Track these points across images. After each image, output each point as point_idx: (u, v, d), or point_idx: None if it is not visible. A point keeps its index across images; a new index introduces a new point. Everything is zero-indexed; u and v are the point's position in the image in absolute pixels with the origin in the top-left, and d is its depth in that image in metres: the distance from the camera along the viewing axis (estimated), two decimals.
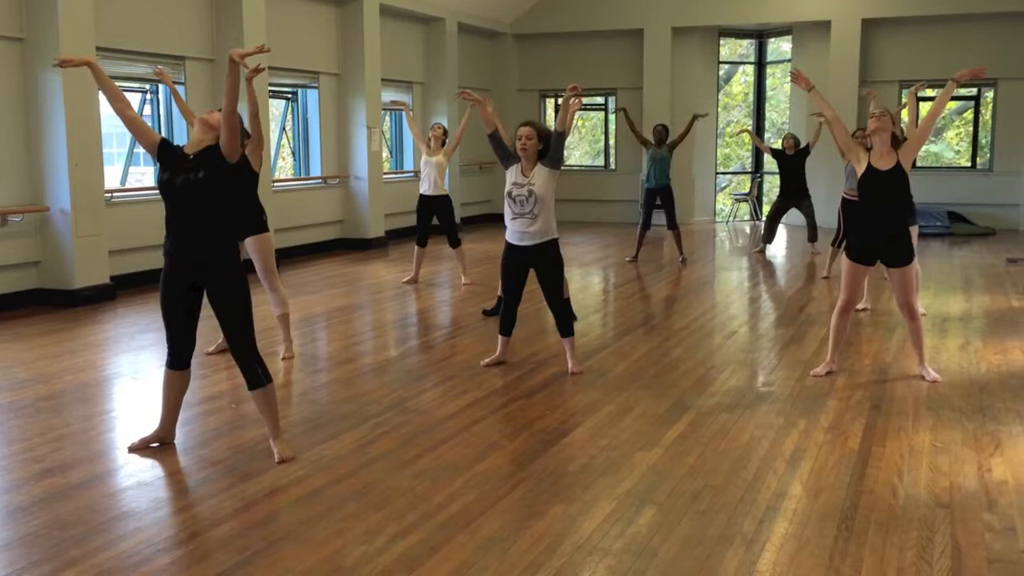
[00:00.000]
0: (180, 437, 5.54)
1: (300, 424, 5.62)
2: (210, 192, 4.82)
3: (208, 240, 4.86)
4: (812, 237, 13.28)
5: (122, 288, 10.03)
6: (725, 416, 5.73)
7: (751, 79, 19.69)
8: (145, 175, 12.68)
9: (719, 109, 19.01)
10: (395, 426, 5.54)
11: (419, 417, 5.72)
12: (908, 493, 4.48)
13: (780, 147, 13.23)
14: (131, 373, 7.02)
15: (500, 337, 7.04)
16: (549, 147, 6.62)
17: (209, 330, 6.91)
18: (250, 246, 7.03)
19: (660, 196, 12.71)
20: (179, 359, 5.12)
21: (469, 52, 17.81)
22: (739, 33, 18.92)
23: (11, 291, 9.22)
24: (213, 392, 6.35)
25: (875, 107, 6.62)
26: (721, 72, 19.47)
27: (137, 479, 4.76)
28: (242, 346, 4.96)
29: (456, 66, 16.92)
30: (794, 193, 12.90)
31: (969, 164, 17.51)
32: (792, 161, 12.85)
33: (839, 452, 5.06)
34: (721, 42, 18.83)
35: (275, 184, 12.87)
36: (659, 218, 13.19)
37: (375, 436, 5.35)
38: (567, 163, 20.00)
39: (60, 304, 9.25)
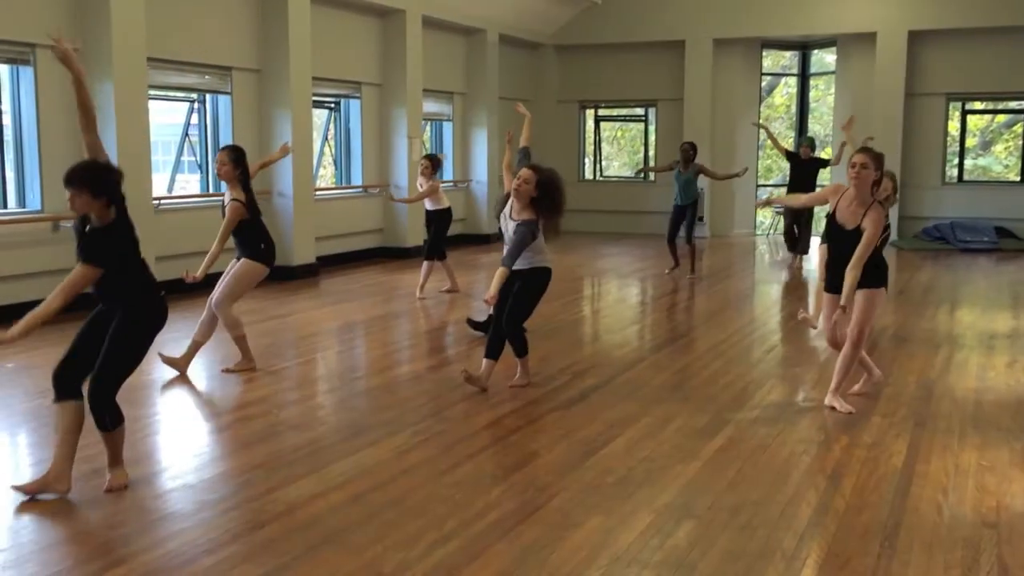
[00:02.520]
0: (222, 441, 5.63)
1: (340, 431, 5.66)
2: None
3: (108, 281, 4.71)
4: (802, 249, 13.23)
5: (168, 294, 10.12)
6: (765, 430, 5.69)
7: (794, 91, 19.56)
8: (190, 183, 12.88)
9: (761, 121, 18.89)
10: (434, 434, 5.57)
11: (458, 426, 5.74)
12: (953, 512, 4.42)
13: (795, 151, 13.06)
14: (175, 378, 7.11)
15: (485, 360, 6.62)
16: (542, 205, 6.41)
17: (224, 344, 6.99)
18: (239, 266, 7.02)
19: (687, 211, 12.60)
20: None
21: (510, 63, 17.87)
22: (782, 45, 18.79)
23: None
24: (254, 397, 6.42)
25: (850, 146, 5.89)
26: (763, 83, 19.36)
27: (182, 481, 4.83)
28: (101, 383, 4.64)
29: (497, 77, 16.98)
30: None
31: (1018, 178, 17.22)
32: (805, 168, 12.65)
33: (882, 469, 5.01)
34: (764, 53, 18.71)
35: (317, 192, 12.99)
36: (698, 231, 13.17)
37: (414, 444, 5.38)
38: (606, 173, 20.00)
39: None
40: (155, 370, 7.21)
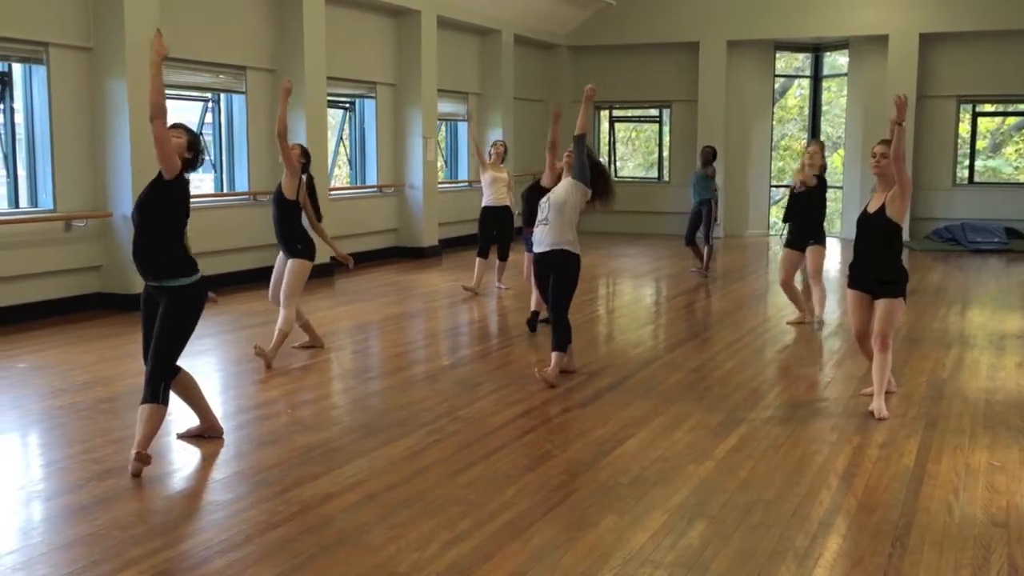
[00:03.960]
0: (235, 441, 5.64)
1: (354, 431, 5.68)
2: (147, 208, 5.02)
3: (151, 257, 5.01)
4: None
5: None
6: (778, 430, 5.68)
7: (807, 92, 19.53)
8: (204, 182, 12.92)
9: (774, 122, 18.87)
10: (448, 434, 5.58)
11: (472, 425, 5.75)
12: (964, 512, 4.42)
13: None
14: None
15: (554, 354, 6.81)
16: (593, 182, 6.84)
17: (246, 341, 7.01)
18: (287, 267, 7.45)
19: (702, 210, 12.60)
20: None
21: (525, 64, 17.87)
22: (795, 47, 18.78)
23: (73, 295, 9.42)
24: (268, 397, 6.44)
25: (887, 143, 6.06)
26: (776, 85, 19.34)
27: (194, 482, 4.86)
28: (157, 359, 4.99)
29: (512, 77, 16.99)
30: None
31: None
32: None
33: (894, 469, 5.00)
34: (777, 55, 18.70)
35: (331, 192, 13.02)
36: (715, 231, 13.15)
37: (428, 443, 5.40)
38: (620, 174, 19.98)
39: (120, 308, 9.42)
40: None
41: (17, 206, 9.25)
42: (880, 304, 6.04)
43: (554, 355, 6.77)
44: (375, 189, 14.32)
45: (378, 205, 14.33)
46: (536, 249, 6.96)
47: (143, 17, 9.55)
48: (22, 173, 9.30)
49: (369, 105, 14.18)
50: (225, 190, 11.66)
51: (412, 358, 7.94)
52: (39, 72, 9.17)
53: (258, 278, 11.21)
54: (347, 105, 14.10)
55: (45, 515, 4.45)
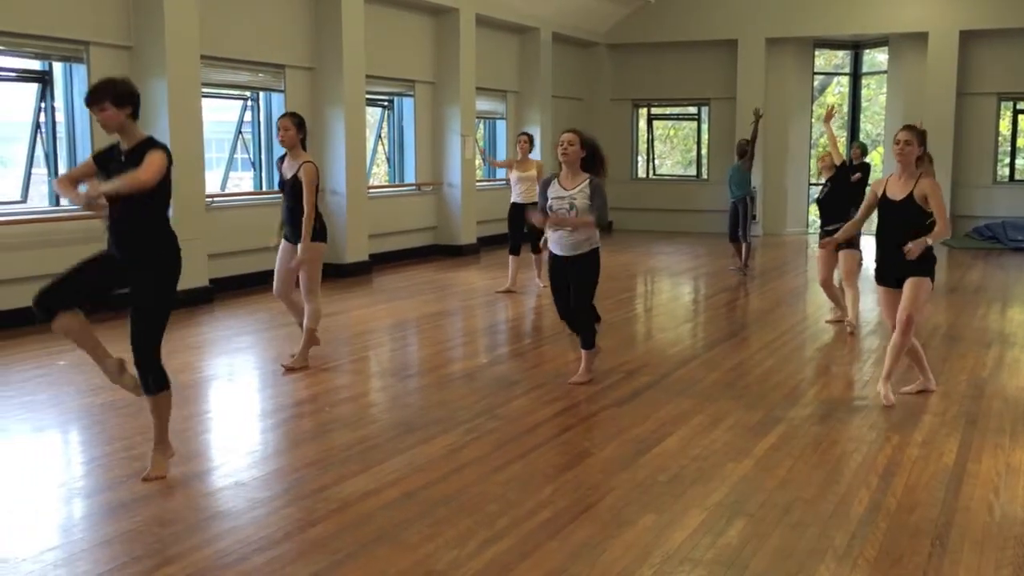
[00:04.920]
0: (274, 439, 5.68)
1: (392, 428, 5.70)
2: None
3: (134, 239, 4.70)
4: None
5: (220, 291, 10.30)
6: (817, 429, 5.63)
7: (846, 90, 19.34)
8: (243, 180, 13.05)
9: (812, 120, 18.70)
10: (485, 432, 5.59)
11: (509, 424, 5.75)
12: (1005, 511, 4.36)
13: (847, 156, 12.72)
14: (227, 375, 7.23)
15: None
16: (592, 165, 6.47)
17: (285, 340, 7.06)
18: (300, 252, 6.93)
19: (739, 207, 12.51)
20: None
21: (563, 62, 17.85)
22: (834, 44, 18.60)
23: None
24: (305, 396, 6.48)
25: (901, 133, 6.10)
26: (815, 83, 19.17)
27: (234, 479, 4.89)
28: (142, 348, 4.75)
29: (550, 75, 16.98)
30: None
31: None
32: (855, 172, 12.19)
33: (933, 468, 4.94)
34: (816, 53, 18.55)
35: (370, 190, 13.09)
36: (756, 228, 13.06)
37: (466, 441, 5.40)
38: (659, 172, 19.91)
39: None
40: (207, 368, 7.33)
41: (58, 204, 9.37)
42: (907, 284, 5.97)
43: (584, 354, 6.72)
44: (413, 187, 14.38)
45: (416, 203, 14.38)
46: (560, 252, 6.58)
47: (183, 16, 9.65)
48: (63, 171, 9.39)
49: (408, 103, 14.23)
50: (264, 188, 11.76)
51: (450, 356, 7.95)
52: (79, 71, 9.29)
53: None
54: (386, 103, 14.16)
55: (86, 512, 4.50)
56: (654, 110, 19.49)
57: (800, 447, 5.27)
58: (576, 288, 6.55)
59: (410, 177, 14.40)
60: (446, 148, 14.61)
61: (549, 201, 6.47)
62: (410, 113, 14.24)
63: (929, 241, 5.84)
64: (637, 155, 19.50)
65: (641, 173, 19.56)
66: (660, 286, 12.56)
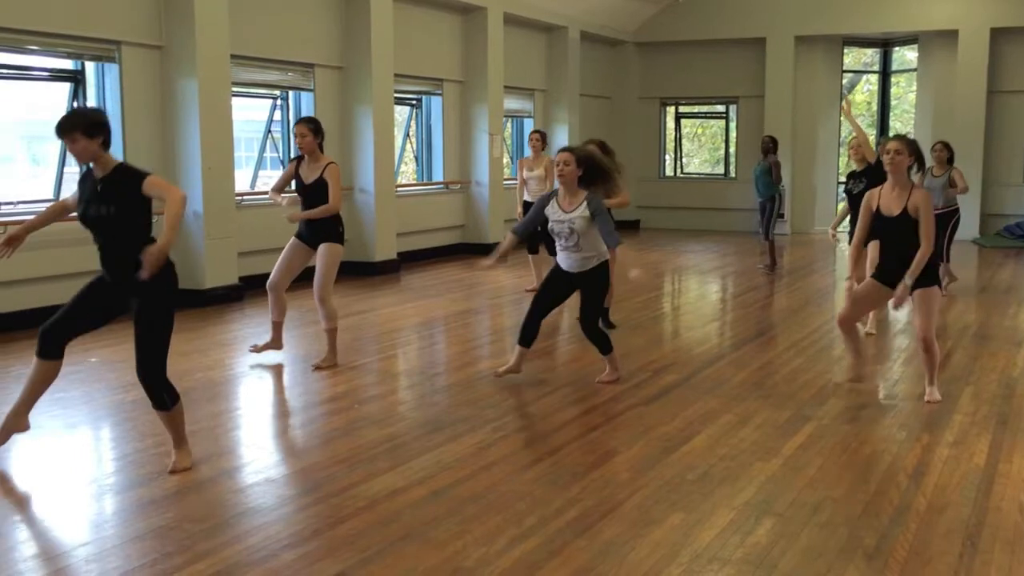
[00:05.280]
0: (303, 436, 5.72)
1: (421, 426, 5.72)
2: (120, 221, 4.71)
3: (129, 264, 4.68)
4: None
5: (250, 289, 10.37)
6: (846, 428, 5.60)
7: (875, 88, 19.20)
8: (273, 179, 13.12)
9: (842, 118, 18.55)
10: (513, 430, 5.60)
11: (537, 422, 5.76)
12: None
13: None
14: (257, 372, 7.28)
15: (517, 347, 6.69)
16: (591, 181, 6.38)
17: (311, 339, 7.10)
18: (319, 253, 6.98)
19: (766, 206, 12.43)
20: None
21: (591, 60, 17.84)
22: (864, 42, 18.47)
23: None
24: (334, 393, 6.51)
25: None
26: (844, 81, 19.03)
27: (264, 476, 4.93)
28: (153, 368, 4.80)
29: (578, 74, 16.97)
30: None
31: None
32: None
33: (964, 468, 4.90)
34: (845, 51, 18.41)
35: (398, 189, 13.14)
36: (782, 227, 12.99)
37: (494, 440, 5.41)
38: (686, 171, 19.83)
39: (191, 304, 9.58)
40: (237, 365, 7.38)
41: None
42: (917, 297, 5.90)
43: (606, 359, 6.69)
44: (441, 186, 14.41)
45: (444, 202, 14.42)
46: (567, 269, 6.51)
47: (213, 16, 9.73)
48: None
49: (436, 102, 14.27)
50: (295, 187, 11.80)
51: (477, 355, 7.97)
52: (112, 70, 9.38)
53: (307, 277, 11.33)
54: (414, 102, 14.20)
55: (117, 508, 4.54)
56: (682, 108, 19.42)
57: (829, 447, 5.25)
58: (586, 301, 6.52)
59: (438, 176, 14.43)
60: (474, 147, 14.63)
61: (551, 223, 6.44)
62: (438, 112, 14.28)
63: (914, 274, 5.76)
64: (665, 154, 19.45)
65: (669, 172, 19.50)
66: (687, 284, 12.53)
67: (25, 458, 5.19)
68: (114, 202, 4.67)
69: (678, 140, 19.59)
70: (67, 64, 9.27)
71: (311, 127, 6.90)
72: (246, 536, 4.11)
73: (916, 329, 6.03)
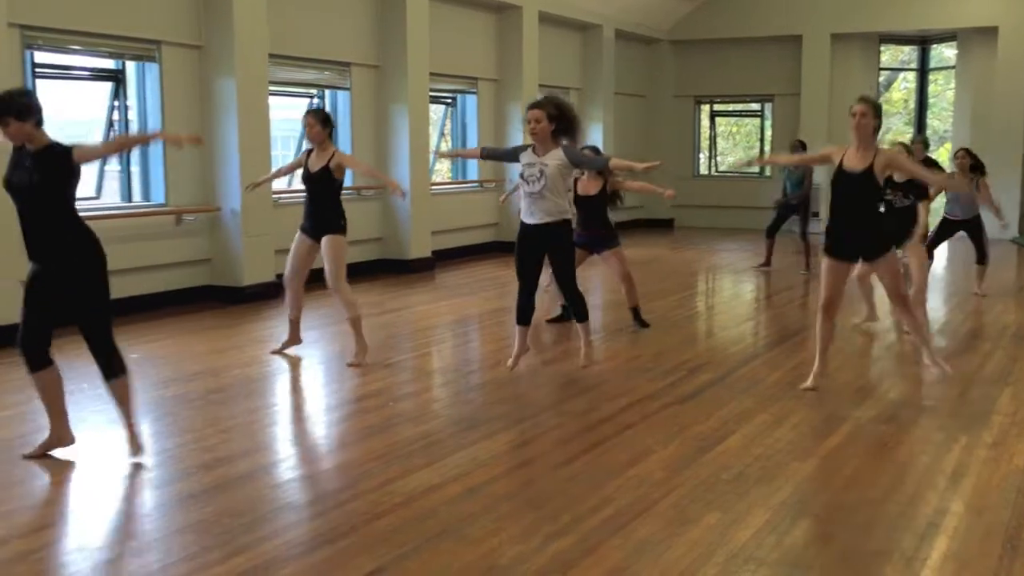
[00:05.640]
0: (339, 433, 5.76)
1: (455, 424, 5.75)
2: (48, 192, 4.81)
3: (55, 242, 4.84)
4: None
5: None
6: (883, 429, 5.56)
7: (912, 86, 18.97)
8: None
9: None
10: (548, 428, 5.61)
11: (572, 420, 5.77)
12: None
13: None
14: (293, 369, 7.34)
15: (517, 327, 6.77)
16: (565, 131, 6.44)
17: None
18: (323, 246, 7.05)
19: (798, 207, 12.31)
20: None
21: (626, 58, 17.80)
22: (901, 39, 18.26)
23: (184, 287, 9.74)
24: (369, 390, 6.54)
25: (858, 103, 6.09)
26: (881, 78, 18.84)
27: (300, 471, 4.98)
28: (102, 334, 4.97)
29: (612, 72, 16.95)
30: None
31: None
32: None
33: (1004, 470, 4.84)
34: (882, 48, 18.22)
35: (433, 187, 13.19)
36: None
37: (529, 437, 5.43)
38: (720, 169, 19.73)
39: (228, 300, 9.70)
40: (273, 361, 7.45)
41: (130, 200, 9.61)
42: (879, 264, 6.07)
43: (582, 328, 6.77)
44: (476, 184, 14.44)
45: (478, 200, 14.45)
46: (529, 220, 6.50)
47: (251, 15, 9.82)
48: (135, 169, 9.64)
49: (471, 100, 14.31)
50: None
51: (512, 352, 7.96)
52: (152, 70, 9.50)
53: (368, 271, 11.41)
54: (449, 101, 14.24)
55: (157, 502, 4.60)
56: (716, 107, 19.33)
57: (866, 447, 5.22)
58: (556, 264, 6.60)
59: (472, 174, 14.47)
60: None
61: (521, 168, 6.51)
62: (473, 110, 14.31)
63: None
64: (699, 152, 19.37)
65: (703, 170, 19.42)
66: (722, 283, 12.47)
67: (69, 452, 5.28)
68: (42, 171, 4.78)
69: (712, 138, 19.50)
70: (109, 64, 9.41)
71: (319, 117, 7.05)
72: (284, 531, 4.15)
73: (888, 291, 6.23)
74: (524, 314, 6.73)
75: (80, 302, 4.89)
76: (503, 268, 12.71)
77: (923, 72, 18.49)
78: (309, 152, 7.16)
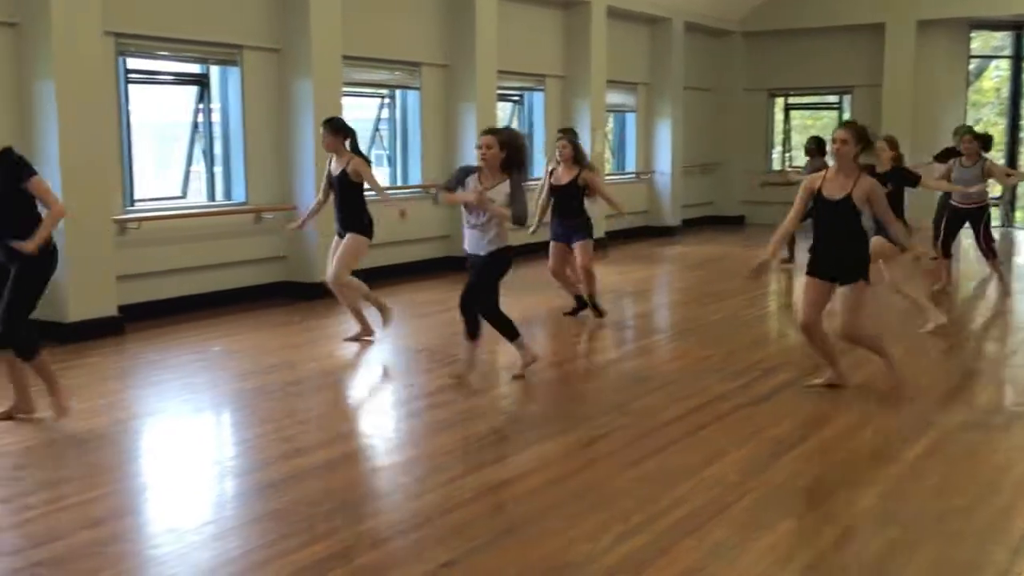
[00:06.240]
0: (410, 428, 5.77)
1: (524, 421, 5.73)
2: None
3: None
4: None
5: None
6: (973, 435, 5.37)
7: (1005, 74, 18.25)
8: (381, 176, 13.30)
9: (967, 107, 17.77)
10: (618, 427, 5.54)
11: (642, 420, 5.69)
12: None
13: (955, 143, 11.76)
14: (364, 364, 7.40)
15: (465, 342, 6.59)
16: (514, 162, 6.29)
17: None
18: (344, 240, 7.47)
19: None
20: None
21: (695, 52, 17.56)
22: (993, 25, 17.55)
23: (260, 283, 9.90)
24: (440, 386, 6.52)
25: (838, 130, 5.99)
26: (971, 67, 18.18)
27: (374, 463, 5.02)
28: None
29: (682, 66, 16.73)
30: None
31: None
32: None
33: None
34: (972, 35, 17.57)
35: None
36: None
37: (598, 436, 5.37)
38: (794, 164, 19.36)
39: (303, 296, 9.82)
40: (347, 356, 7.52)
41: (213, 199, 9.81)
42: (846, 290, 5.92)
43: (514, 345, 6.62)
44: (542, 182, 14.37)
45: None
46: (473, 251, 6.47)
47: (327, 19, 9.98)
48: (218, 169, 9.86)
49: (538, 98, 14.25)
50: (399, 183, 11.98)
51: (578, 351, 7.93)
52: (234, 73, 9.68)
53: (433, 268, 11.48)
54: (516, 98, 14.21)
55: (237, 490, 4.69)
56: (791, 99, 18.96)
57: (954, 454, 5.04)
58: (476, 282, 6.44)
59: (539, 172, 14.38)
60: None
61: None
62: (540, 107, 14.26)
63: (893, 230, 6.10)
64: (772, 147, 19.03)
65: (776, 166, 19.05)
66: (794, 283, 12.22)
67: (157, 439, 5.50)
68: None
69: (787, 133, 19.14)
70: (194, 68, 9.63)
71: (329, 128, 7.52)
72: (360, 520, 4.20)
73: (839, 324, 6.01)
74: (473, 329, 6.55)
75: (10, 282, 5.29)
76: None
77: (1018, 59, 17.63)
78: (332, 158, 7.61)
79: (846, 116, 18.20)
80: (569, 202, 8.63)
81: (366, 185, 7.56)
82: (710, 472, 4.78)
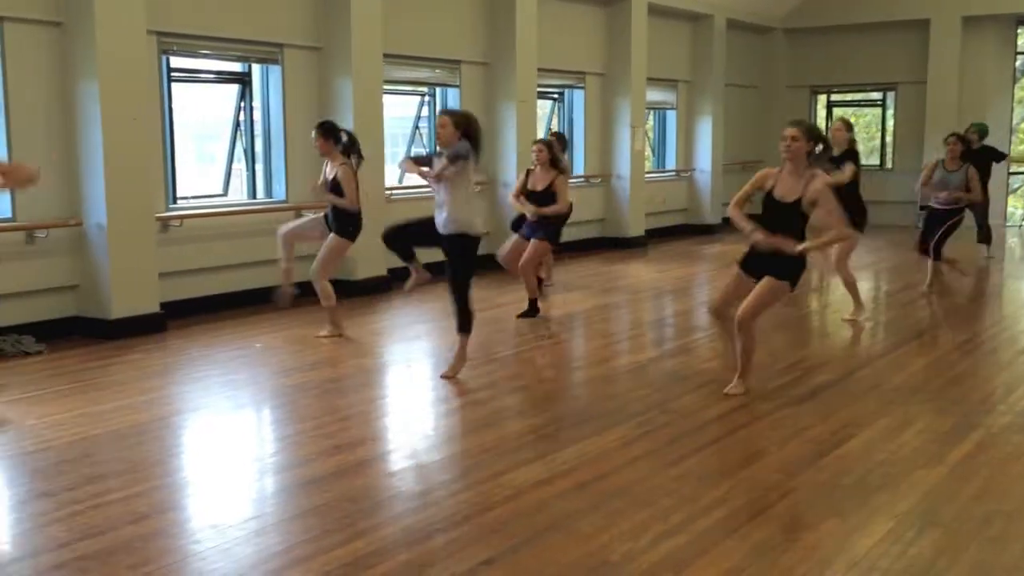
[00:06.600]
0: (448, 425, 5.79)
1: (563, 419, 5.72)
2: None
3: None
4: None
5: (398, 280, 10.55)
6: (1019, 438, 5.27)
7: None
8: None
9: (1014, 104, 17.46)
10: (658, 426, 5.51)
11: (682, 419, 5.66)
12: None
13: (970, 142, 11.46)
14: (405, 361, 7.42)
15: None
16: (469, 140, 6.38)
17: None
18: (327, 239, 7.65)
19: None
20: None
21: (737, 48, 17.42)
22: None
23: (303, 279, 9.91)
24: (478, 384, 6.53)
25: (790, 128, 5.89)
26: (1018, 63, 17.87)
27: (415, 461, 5.04)
28: None
29: (723, 63, 16.61)
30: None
31: None
32: (974, 160, 10.47)
33: None
34: (1020, 31, 17.29)
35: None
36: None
37: (638, 435, 5.35)
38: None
39: (347, 292, 9.82)
40: (385, 354, 7.56)
41: (255, 197, 9.90)
42: (765, 282, 5.79)
43: (460, 339, 6.55)
44: (582, 179, 14.34)
45: (585, 195, 14.30)
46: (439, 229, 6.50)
47: (368, 17, 10.03)
48: (259, 167, 9.95)
49: (578, 95, 14.22)
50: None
51: (618, 349, 7.90)
52: (275, 72, 9.77)
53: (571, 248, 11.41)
54: (556, 96, 14.19)
55: (278, 486, 4.73)
56: (834, 96, 18.75)
57: (999, 457, 4.95)
58: (450, 270, 6.50)
59: (579, 169, 14.37)
60: (615, 140, 14.52)
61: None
62: (580, 105, 14.23)
63: (818, 245, 5.88)
64: (816, 144, 18.79)
65: None
66: (836, 280, 12.07)
67: (199, 435, 5.56)
68: None
69: (828, 130, 18.91)
70: (236, 67, 9.73)
71: (321, 131, 7.67)
72: (400, 518, 4.22)
73: (741, 307, 5.84)
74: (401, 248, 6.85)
75: None
76: (609, 264, 12.60)
77: None
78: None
79: (890, 113, 18.00)
80: (544, 206, 8.69)
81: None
82: (751, 472, 4.75)
